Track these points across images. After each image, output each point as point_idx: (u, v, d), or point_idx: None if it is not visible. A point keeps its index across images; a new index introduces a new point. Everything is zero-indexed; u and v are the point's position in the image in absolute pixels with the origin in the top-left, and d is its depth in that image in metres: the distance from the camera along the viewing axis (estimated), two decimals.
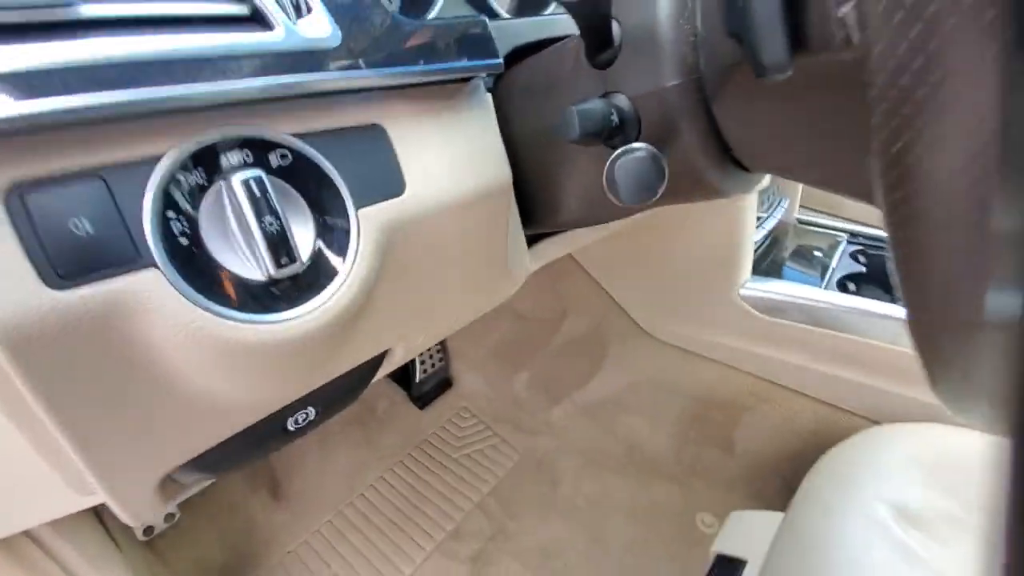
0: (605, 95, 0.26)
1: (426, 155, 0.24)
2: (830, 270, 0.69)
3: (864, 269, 0.69)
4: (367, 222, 0.22)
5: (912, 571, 0.41)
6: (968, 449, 0.50)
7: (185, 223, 0.17)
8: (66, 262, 0.15)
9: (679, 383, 0.77)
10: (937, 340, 0.15)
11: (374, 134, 0.22)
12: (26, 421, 0.17)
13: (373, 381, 0.33)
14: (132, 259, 0.16)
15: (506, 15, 0.37)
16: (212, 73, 0.17)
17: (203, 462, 0.23)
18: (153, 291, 0.16)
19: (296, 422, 0.27)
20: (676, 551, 0.69)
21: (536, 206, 0.34)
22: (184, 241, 0.17)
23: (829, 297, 0.61)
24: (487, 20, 0.27)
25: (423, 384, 0.96)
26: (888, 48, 0.11)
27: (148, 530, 0.53)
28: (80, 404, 0.17)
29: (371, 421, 0.93)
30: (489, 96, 0.29)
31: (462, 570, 0.71)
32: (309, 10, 0.19)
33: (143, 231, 0.16)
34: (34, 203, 0.15)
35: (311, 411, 0.27)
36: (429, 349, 0.96)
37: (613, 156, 0.22)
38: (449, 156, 0.25)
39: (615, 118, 0.25)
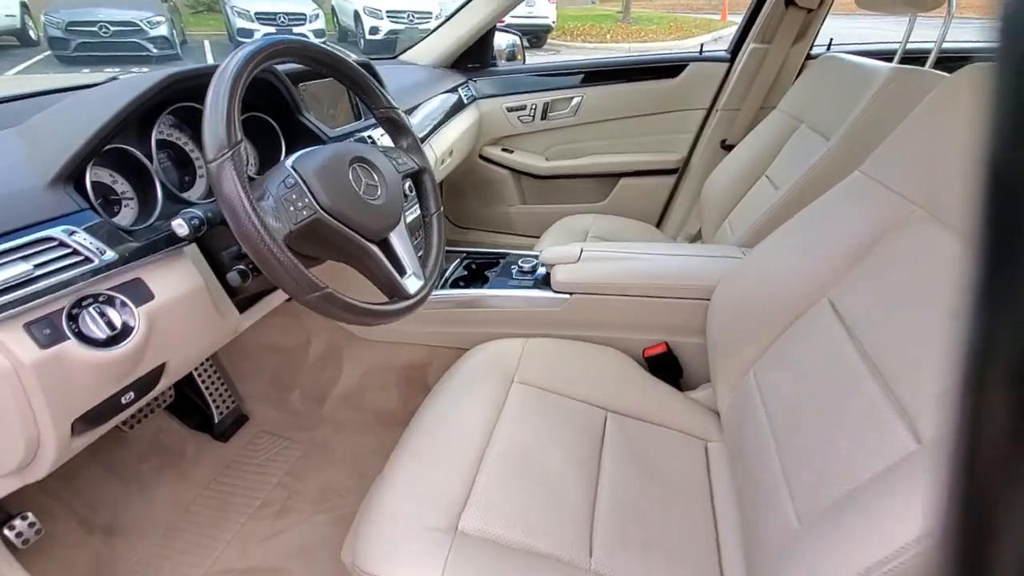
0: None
1: (161, 280, 0.66)
2: (448, 274, 1.24)
3: (466, 273, 1.26)
4: (143, 312, 0.62)
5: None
6: (505, 349, 1.05)
7: (75, 325, 0.56)
8: (44, 343, 0.53)
9: (389, 361, 1.25)
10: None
11: (137, 281, 0.63)
12: (25, 410, 0.54)
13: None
14: (62, 338, 0.55)
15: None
16: (81, 273, 0.56)
17: (87, 416, 0.61)
18: (72, 347, 0.55)
19: (126, 399, 0.66)
20: None
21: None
22: (76, 330, 0.56)
23: (451, 292, 1.15)
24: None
25: (222, 424, 1.28)
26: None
27: (25, 542, 0.80)
28: (52, 392, 0.54)
29: (183, 463, 1.21)
30: (190, 247, 0.72)
31: (267, 523, 1.08)
32: (104, 250, 0.60)
33: (64, 330, 0.55)
34: (32, 329, 0.53)
35: (131, 394, 0.66)
36: (222, 395, 1.28)
37: None
38: (172, 279, 0.67)
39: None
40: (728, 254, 1.08)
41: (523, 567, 0.66)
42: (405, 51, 1.79)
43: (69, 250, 0.57)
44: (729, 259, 1.05)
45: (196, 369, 1.23)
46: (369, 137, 1.05)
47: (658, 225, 1.89)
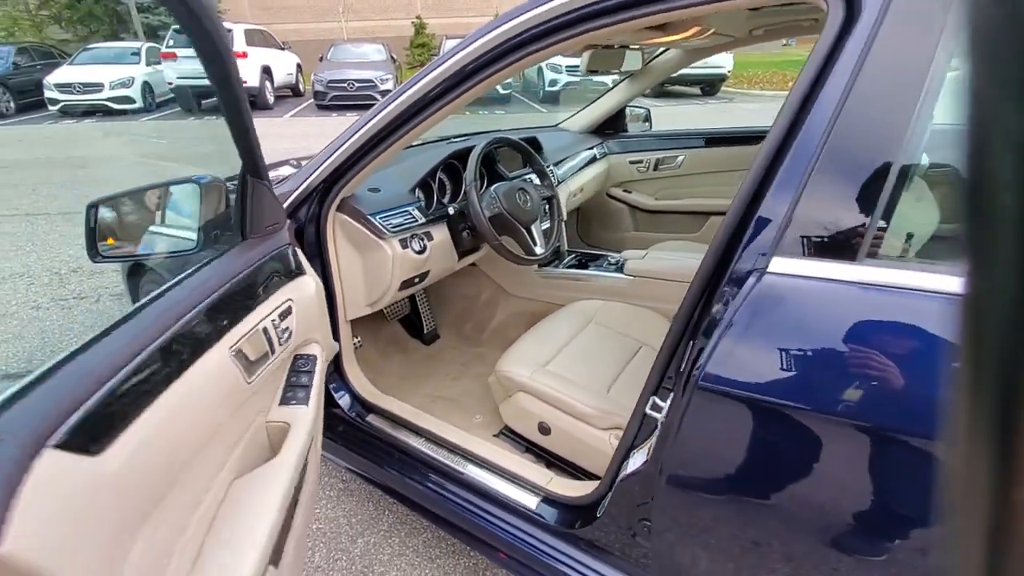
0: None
1: (436, 233, 1.56)
2: (566, 263, 2.04)
3: (576, 263, 2.04)
4: (429, 244, 1.52)
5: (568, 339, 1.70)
6: (589, 305, 1.80)
7: (409, 243, 1.48)
8: (402, 247, 1.45)
9: (524, 310, 2.08)
10: None
11: (428, 232, 1.54)
12: (390, 272, 1.45)
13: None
14: (406, 247, 1.47)
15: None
16: (415, 224, 1.48)
17: (404, 282, 1.52)
18: (408, 251, 1.46)
19: (413, 283, 1.57)
20: None
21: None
22: (409, 245, 1.47)
23: (565, 271, 1.95)
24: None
25: (427, 335, 2.22)
26: None
27: (360, 344, 1.77)
28: (399, 266, 1.46)
29: (407, 351, 2.17)
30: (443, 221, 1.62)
31: (449, 381, 1.95)
32: None
33: (407, 244, 1.47)
34: (400, 242, 1.45)
35: (417, 279, 1.57)
36: (428, 318, 2.22)
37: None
38: (439, 233, 1.57)
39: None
40: None
41: (573, 384, 1.40)
42: (563, 122, 2.66)
43: (411, 216, 1.49)
44: None
45: (419, 299, 2.19)
46: (528, 178, 1.91)
47: None
